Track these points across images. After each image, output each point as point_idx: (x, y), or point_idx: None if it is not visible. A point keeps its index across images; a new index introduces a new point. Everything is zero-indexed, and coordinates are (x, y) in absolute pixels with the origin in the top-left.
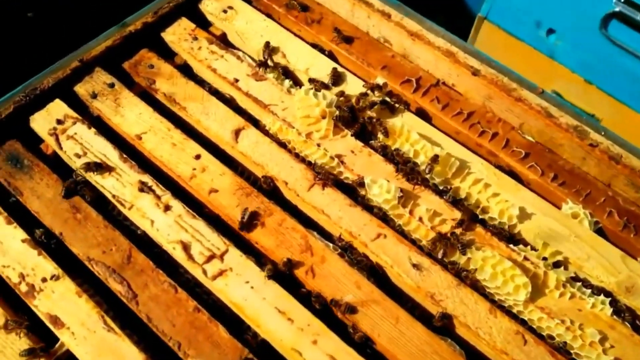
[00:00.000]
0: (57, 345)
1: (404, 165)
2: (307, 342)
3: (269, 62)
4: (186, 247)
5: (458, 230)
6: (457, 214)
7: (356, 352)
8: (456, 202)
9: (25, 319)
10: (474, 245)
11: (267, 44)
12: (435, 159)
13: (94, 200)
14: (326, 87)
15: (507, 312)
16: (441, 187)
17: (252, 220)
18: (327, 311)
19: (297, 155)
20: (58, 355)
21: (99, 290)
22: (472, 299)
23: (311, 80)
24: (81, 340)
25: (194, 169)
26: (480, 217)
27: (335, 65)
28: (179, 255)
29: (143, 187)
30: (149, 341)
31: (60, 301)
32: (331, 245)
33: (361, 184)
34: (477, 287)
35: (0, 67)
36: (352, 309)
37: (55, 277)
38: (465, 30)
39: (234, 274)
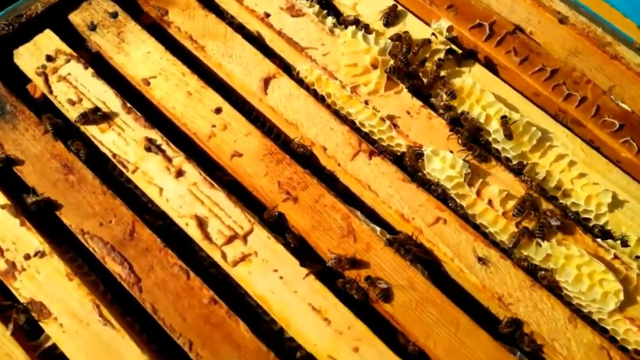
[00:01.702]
0: (41, 337)
1: (473, 134)
2: (347, 348)
3: None
4: (202, 224)
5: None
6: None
7: None
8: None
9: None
10: (555, 238)
11: None
12: (505, 123)
13: (90, 158)
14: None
15: (585, 317)
16: (515, 163)
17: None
18: (370, 310)
19: (338, 114)
20: (43, 349)
21: (94, 270)
22: (548, 304)
23: (358, 22)
24: (72, 334)
25: (214, 126)
26: (561, 201)
27: (392, 1)
28: (193, 233)
29: (150, 146)
30: (153, 333)
31: (47, 285)
32: (378, 229)
33: (419, 154)
34: (553, 289)
35: None
36: (387, 295)
37: (40, 254)
38: None
39: (259, 260)
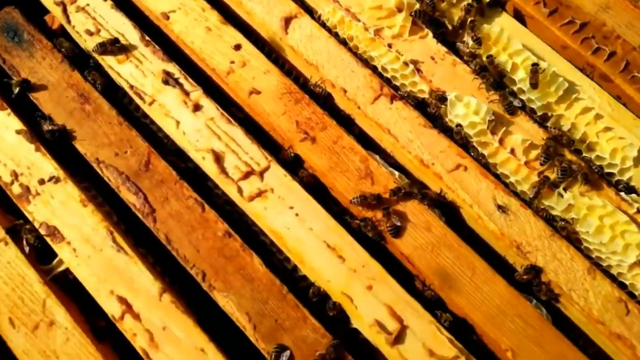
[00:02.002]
0: (54, 262)
1: (497, 81)
2: (361, 286)
3: None
4: (219, 158)
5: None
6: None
7: (420, 304)
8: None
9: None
10: (578, 190)
11: None
12: (534, 72)
13: (106, 92)
14: None
15: (604, 272)
16: (540, 114)
17: None
18: (386, 254)
19: (360, 57)
20: (55, 274)
21: (108, 201)
22: (567, 254)
23: None
24: (84, 259)
25: (232, 63)
26: (585, 155)
27: None
28: (209, 167)
29: (168, 79)
30: (165, 266)
31: (61, 209)
32: (397, 173)
33: (442, 99)
34: (573, 241)
35: None
36: (397, 231)
37: (54, 180)
38: None
39: (275, 197)
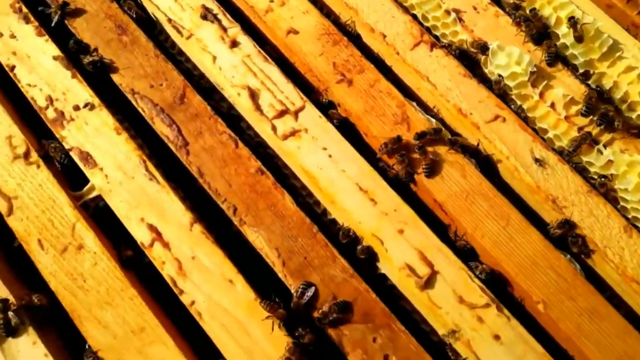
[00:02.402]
0: (85, 189)
1: (541, 33)
2: (392, 229)
3: None
4: (254, 95)
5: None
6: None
7: (450, 249)
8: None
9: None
10: (618, 146)
11: None
12: (574, 24)
13: (143, 24)
14: None
15: None
16: (582, 71)
17: None
18: (417, 202)
19: (401, 4)
20: (86, 200)
21: (140, 134)
22: (604, 211)
23: None
24: (116, 185)
25: (272, 1)
26: (626, 114)
27: None
28: (243, 103)
29: (207, 14)
30: (195, 199)
31: (94, 136)
32: (433, 120)
33: (484, 48)
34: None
35: None
36: (432, 170)
37: (89, 106)
38: None
39: (309, 137)
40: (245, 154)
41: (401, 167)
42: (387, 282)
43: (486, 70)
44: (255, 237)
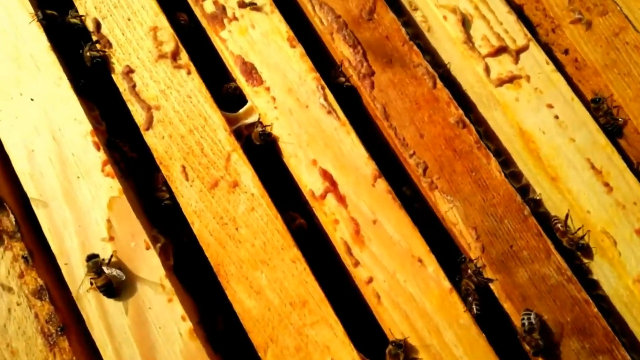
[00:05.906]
0: (242, 110)
1: None
2: (629, 228)
3: None
4: (464, 22)
5: None
6: None
7: None
8: None
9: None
10: None
11: None
12: None
13: None
14: None
15: None
16: None
17: None
18: None
19: None
20: (240, 125)
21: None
22: None
23: None
24: (284, 113)
25: None
26: None
27: None
28: (451, 31)
29: None
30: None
31: (262, 44)
32: None
33: None
34: None
35: None
36: None
37: (256, 7)
38: None
39: (531, 88)
40: (445, 97)
41: None
42: (597, 290)
43: None
44: (449, 209)
